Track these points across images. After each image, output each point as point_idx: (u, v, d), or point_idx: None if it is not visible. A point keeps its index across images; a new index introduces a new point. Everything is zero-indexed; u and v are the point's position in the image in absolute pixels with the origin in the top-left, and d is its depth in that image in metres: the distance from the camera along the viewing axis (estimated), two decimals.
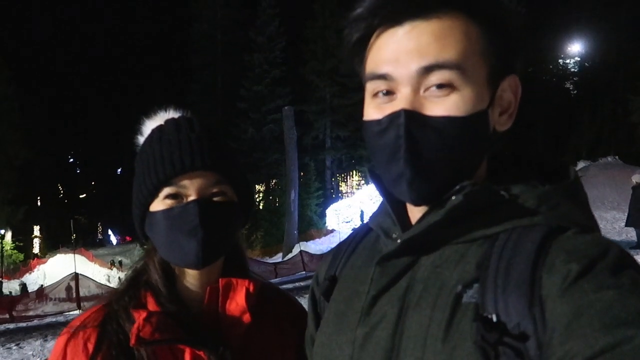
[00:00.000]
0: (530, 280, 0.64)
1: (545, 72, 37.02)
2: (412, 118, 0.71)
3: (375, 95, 0.76)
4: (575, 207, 0.73)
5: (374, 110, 0.76)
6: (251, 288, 1.05)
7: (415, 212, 0.79)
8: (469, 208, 0.72)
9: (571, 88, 39.14)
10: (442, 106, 0.71)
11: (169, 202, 1.00)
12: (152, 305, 1.00)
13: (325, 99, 31.43)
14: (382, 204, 0.88)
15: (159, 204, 1.01)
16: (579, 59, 38.72)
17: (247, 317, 1.03)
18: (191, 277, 1.06)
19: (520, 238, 0.69)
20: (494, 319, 0.63)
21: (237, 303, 1.04)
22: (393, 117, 0.72)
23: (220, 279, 1.05)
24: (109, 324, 1.00)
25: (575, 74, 39.03)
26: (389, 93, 0.74)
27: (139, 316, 0.96)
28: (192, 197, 1.00)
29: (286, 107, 25.41)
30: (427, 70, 0.70)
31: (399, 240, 0.77)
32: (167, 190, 1.00)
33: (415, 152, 0.71)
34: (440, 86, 0.71)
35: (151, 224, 1.03)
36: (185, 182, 1.00)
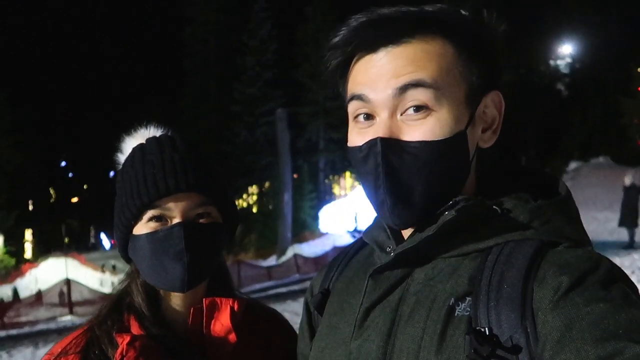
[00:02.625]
0: (522, 294, 0.64)
1: (537, 74, 37.24)
2: (388, 145, 0.71)
3: (356, 118, 0.77)
4: (567, 222, 0.73)
5: (356, 136, 0.77)
6: (236, 307, 1.03)
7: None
8: (462, 222, 0.72)
9: (562, 89, 39.41)
10: (418, 130, 0.71)
11: (152, 225, 0.98)
12: (135, 329, 0.98)
13: (319, 102, 31.43)
14: (376, 218, 0.88)
15: (142, 227, 0.98)
16: (570, 60, 39.00)
17: (232, 337, 1.00)
18: (176, 299, 1.04)
19: (512, 252, 0.69)
20: (487, 332, 0.64)
21: (222, 323, 1.01)
22: (371, 144, 0.73)
23: (204, 299, 1.02)
24: (91, 350, 0.96)
25: (567, 75, 39.31)
26: (370, 117, 0.75)
27: (122, 341, 0.93)
28: (176, 220, 0.97)
29: (279, 110, 25.39)
30: (402, 90, 0.71)
31: (392, 254, 0.78)
32: (150, 213, 0.97)
33: (394, 179, 0.72)
34: (416, 109, 0.71)
35: (134, 248, 1.00)
36: (170, 205, 0.97)
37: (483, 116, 0.77)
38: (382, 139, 0.71)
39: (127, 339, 0.93)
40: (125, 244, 1.03)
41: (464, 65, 0.73)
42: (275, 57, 33.51)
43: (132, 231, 1.00)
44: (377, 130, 0.73)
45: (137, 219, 0.98)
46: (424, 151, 0.71)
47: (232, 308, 1.02)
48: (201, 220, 1.00)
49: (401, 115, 0.72)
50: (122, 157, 1.07)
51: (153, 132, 1.08)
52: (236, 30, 34.16)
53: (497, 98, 0.78)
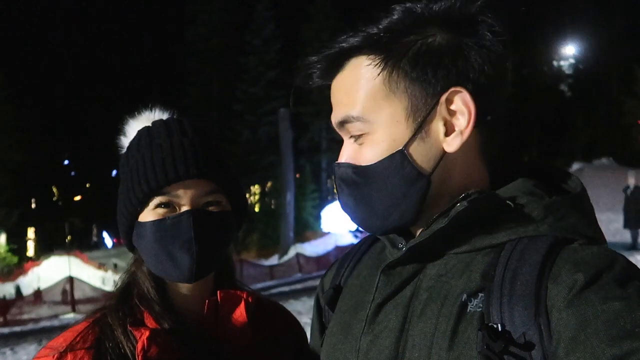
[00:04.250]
0: (536, 290, 0.64)
1: (540, 74, 37.14)
2: (339, 169, 0.79)
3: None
4: (582, 218, 0.73)
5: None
6: (250, 300, 1.01)
7: (420, 223, 0.79)
8: (474, 216, 0.71)
9: (565, 90, 39.30)
10: (359, 156, 0.76)
11: (160, 212, 0.94)
12: (150, 322, 0.95)
13: (321, 101, 31.42)
14: None
15: (148, 214, 0.95)
16: (573, 61, 38.90)
17: (247, 331, 0.98)
18: (184, 289, 1.01)
19: (526, 248, 0.69)
20: (499, 328, 0.63)
21: (237, 316, 0.99)
22: (334, 166, 0.81)
23: (218, 292, 1.00)
24: (104, 343, 0.92)
25: (570, 76, 39.20)
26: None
27: (141, 335, 0.90)
28: (185, 207, 0.94)
29: (282, 109, 25.39)
30: (342, 124, 0.77)
31: (404, 248, 0.78)
32: (158, 199, 0.94)
33: (344, 199, 0.80)
34: (356, 138, 0.76)
35: (140, 235, 0.97)
36: (179, 191, 0.94)
37: (442, 121, 0.73)
38: (337, 164, 0.80)
39: (147, 333, 0.90)
40: (129, 231, 1.00)
41: (402, 80, 0.72)
42: (278, 57, 33.52)
43: (137, 218, 0.97)
44: (341, 153, 0.80)
45: (143, 205, 0.95)
46: (364, 173, 0.76)
47: (246, 301, 1.00)
48: (210, 208, 0.97)
49: (351, 139, 0.79)
50: (125, 141, 1.03)
51: (158, 115, 1.05)
52: (239, 29, 34.18)
53: (459, 96, 0.72)
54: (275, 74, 33.28)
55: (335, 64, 0.77)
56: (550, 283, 0.64)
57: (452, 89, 0.72)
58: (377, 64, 0.73)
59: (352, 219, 0.81)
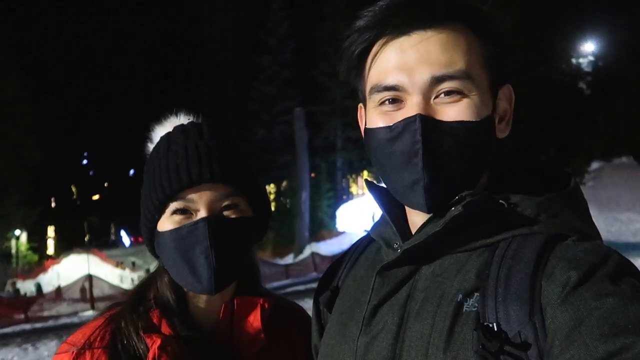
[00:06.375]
0: (531, 289, 0.64)
1: (558, 72, 36.64)
2: (427, 123, 0.71)
3: (382, 104, 0.76)
4: (575, 215, 0.73)
5: (380, 118, 0.76)
6: (266, 305, 1.01)
7: (415, 223, 0.80)
8: (469, 217, 0.72)
9: (585, 88, 38.70)
10: (454, 112, 0.72)
11: (176, 219, 0.94)
12: (165, 328, 0.94)
13: (336, 100, 31.40)
14: (382, 215, 0.87)
15: (166, 222, 0.95)
16: (592, 58, 38.31)
17: (261, 336, 0.98)
18: (204, 296, 0.99)
19: (520, 247, 0.69)
20: (495, 327, 0.63)
21: (252, 322, 0.99)
22: (407, 122, 0.72)
23: (235, 298, 0.99)
24: (119, 344, 0.91)
25: (589, 74, 38.60)
26: (396, 101, 0.75)
27: (153, 343, 0.90)
28: (201, 213, 0.93)
29: (297, 109, 25.43)
30: (439, 80, 0.72)
31: (399, 250, 0.78)
32: (174, 206, 0.93)
33: (433, 156, 0.71)
34: (449, 93, 0.72)
35: (159, 245, 0.97)
36: (194, 196, 0.92)
37: (497, 108, 0.79)
38: (421, 116, 0.71)
39: (158, 341, 0.90)
40: (151, 239, 1.00)
41: (485, 56, 0.75)
42: (293, 56, 33.57)
43: (156, 226, 0.97)
44: (410, 110, 0.72)
45: (160, 212, 0.95)
46: (461, 131, 0.72)
47: (262, 307, 1.00)
48: (228, 213, 0.95)
49: (434, 99, 0.73)
50: (151, 147, 1.03)
51: (183, 119, 1.04)
52: (254, 29, 34.29)
53: (507, 91, 0.80)
54: (290, 73, 33.34)
55: (441, 12, 0.73)
56: (545, 281, 0.64)
57: (507, 84, 0.79)
58: (477, 35, 0.75)
59: (429, 179, 0.72)
